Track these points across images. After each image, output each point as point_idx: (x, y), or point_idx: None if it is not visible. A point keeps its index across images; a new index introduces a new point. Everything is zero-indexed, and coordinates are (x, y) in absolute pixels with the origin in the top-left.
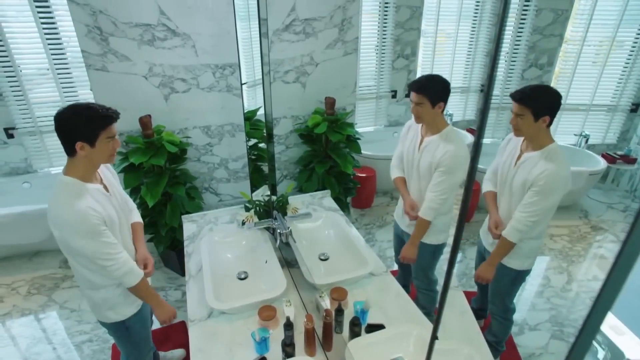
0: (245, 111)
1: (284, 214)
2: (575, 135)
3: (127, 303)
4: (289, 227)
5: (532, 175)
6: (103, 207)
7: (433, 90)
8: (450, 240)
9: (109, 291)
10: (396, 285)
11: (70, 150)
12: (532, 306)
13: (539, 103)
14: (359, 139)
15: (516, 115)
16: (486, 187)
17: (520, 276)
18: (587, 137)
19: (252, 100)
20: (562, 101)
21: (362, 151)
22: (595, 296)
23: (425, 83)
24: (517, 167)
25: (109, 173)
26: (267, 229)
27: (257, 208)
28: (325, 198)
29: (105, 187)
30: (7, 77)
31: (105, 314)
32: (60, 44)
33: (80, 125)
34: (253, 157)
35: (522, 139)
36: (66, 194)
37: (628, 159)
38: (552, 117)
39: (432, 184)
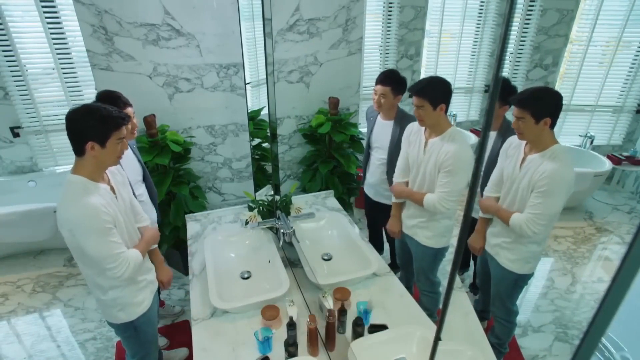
0: (249, 111)
1: (288, 213)
2: (580, 136)
3: (136, 303)
4: (292, 227)
5: (535, 176)
6: (111, 207)
7: (433, 92)
8: (453, 242)
9: (118, 291)
10: (399, 286)
11: (79, 150)
12: (535, 308)
13: (538, 105)
14: (362, 139)
15: (517, 118)
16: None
17: (521, 280)
18: (592, 138)
19: (256, 100)
20: (567, 102)
21: None
22: (601, 298)
23: (425, 85)
24: (522, 170)
25: (120, 177)
26: (271, 228)
27: (261, 208)
28: (328, 198)
29: (112, 189)
30: (13, 76)
31: (116, 315)
32: (65, 43)
33: (93, 125)
34: (257, 156)
35: (525, 141)
36: (75, 191)
37: (634, 160)
38: (554, 118)
39: (439, 184)
